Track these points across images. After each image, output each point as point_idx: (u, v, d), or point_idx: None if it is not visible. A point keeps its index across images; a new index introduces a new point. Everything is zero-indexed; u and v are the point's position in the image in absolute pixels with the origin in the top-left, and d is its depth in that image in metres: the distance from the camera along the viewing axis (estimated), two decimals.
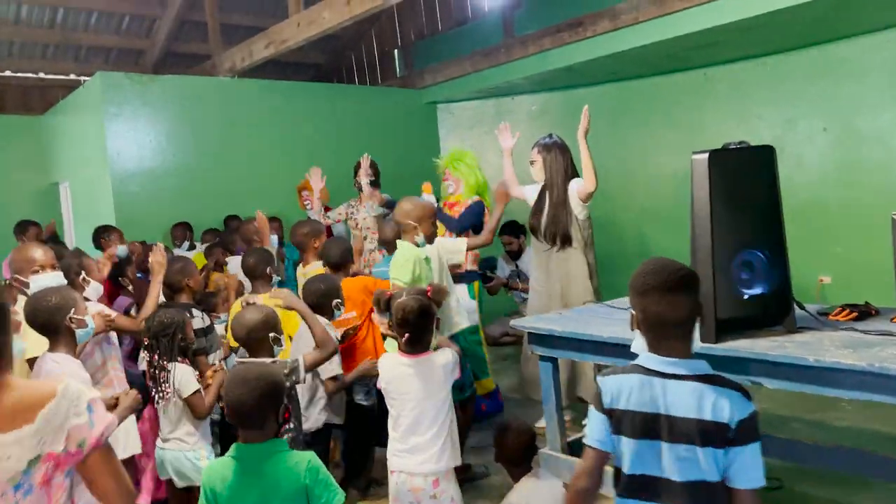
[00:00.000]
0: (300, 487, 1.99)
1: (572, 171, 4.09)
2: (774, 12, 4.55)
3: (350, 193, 5.46)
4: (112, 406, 2.66)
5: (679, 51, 5.56)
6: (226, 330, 3.56)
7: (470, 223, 4.55)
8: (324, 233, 4.34)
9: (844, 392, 2.12)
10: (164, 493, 3.12)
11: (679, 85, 6.30)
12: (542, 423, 4.16)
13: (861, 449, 3.01)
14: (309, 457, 2.07)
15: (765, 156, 2.41)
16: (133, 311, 3.92)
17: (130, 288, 4.40)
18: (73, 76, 8.26)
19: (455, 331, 3.35)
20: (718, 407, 1.62)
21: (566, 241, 4.04)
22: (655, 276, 1.71)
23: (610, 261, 4.93)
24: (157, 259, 3.35)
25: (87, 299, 3.11)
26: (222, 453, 2.39)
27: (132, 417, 3.18)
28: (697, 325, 1.75)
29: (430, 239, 3.44)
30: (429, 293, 2.66)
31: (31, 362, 2.59)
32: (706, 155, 2.33)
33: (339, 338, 3.38)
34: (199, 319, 3.34)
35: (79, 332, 2.55)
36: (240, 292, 4.15)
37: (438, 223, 3.95)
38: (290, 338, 3.70)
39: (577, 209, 4.01)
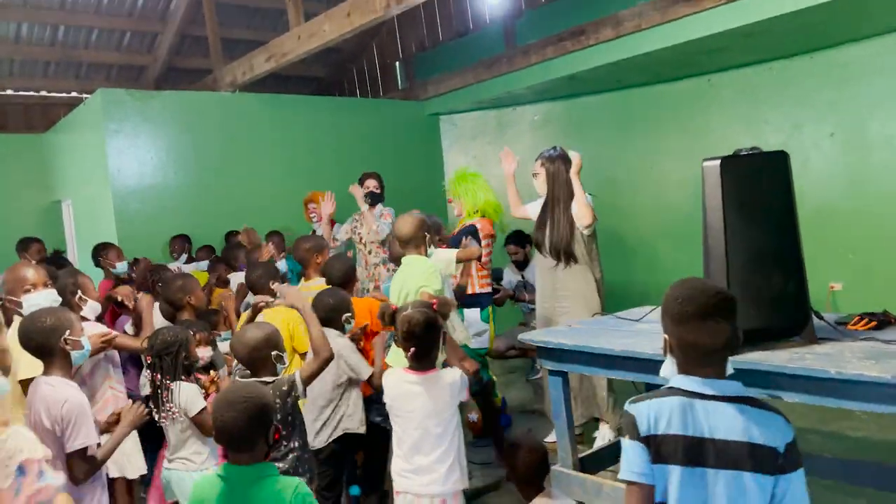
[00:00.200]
0: None
1: (568, 187, 4.00)
2: (779, 17, 4.49)
3: (354, 208, 5.42)
4: (114, 422, 2.59)
5: (683, 57, 5.51)
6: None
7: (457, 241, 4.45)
8: (326, 248, 4.28)
9: (868, 405, 2.04)
10: None
11: (683, 92, 6.24)
12: (551, 438, 4.12)
13: (883, 463, 2.92)
14: (296, 483, 2.00)
15: (778, 161, 2.34)
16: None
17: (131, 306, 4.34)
18: (74, 94, 8.25)
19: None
20: (766, 430, 1.54)
21: (570, 257, 3.98)
22: (692, 303, 1.61)
23: (616, 271, 4.88)
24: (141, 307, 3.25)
25: (84, 318, 3.05)
26: None
27: (136, 438, 3.12)
28: None
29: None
30: (434, 306, 2.58)
31: (25, 384, 2.53)
32: (718, 162, 2.27)
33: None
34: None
35: (74, 354, 2.47)
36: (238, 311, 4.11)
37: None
38: (302, 355, 3.64)
39: (581, 224, 3.94)
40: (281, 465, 2.60)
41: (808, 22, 4.61)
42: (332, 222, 5.62)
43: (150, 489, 3.16)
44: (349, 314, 3.33)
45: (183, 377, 2.80)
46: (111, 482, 2.94)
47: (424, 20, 8.28)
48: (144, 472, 3.21)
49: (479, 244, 4.28)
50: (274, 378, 2.66)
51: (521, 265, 5.69)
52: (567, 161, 4.01)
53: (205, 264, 5.55)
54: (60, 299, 2.96)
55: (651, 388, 3.27)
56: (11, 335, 2.40)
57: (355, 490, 3.46)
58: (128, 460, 3.13)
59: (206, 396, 2.87)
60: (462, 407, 2.69)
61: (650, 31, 5.28)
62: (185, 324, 3.29)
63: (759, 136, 5.57)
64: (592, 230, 3.96)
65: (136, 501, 3.28)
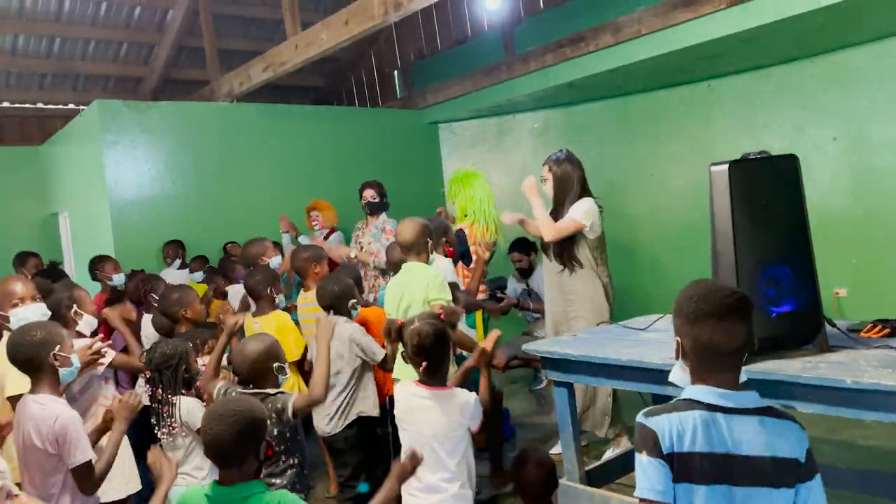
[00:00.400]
0: None
1: (578, 189, 3.94)
2: (778, 22, 4.46)
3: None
4: (110, 420, 2.50)
5: (683, 63, 5.47)
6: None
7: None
8: (325, 258, 4.22)
9: (885, 415, 1.97)
10: None
11: (683, 97, 6.20)
12: (556, 450, 4.05)
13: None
14: (279, 496, 1.93)
15: (787, 165, 2.29)
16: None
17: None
18: (71, 105, 8.21)
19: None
20: (787, 442, 1.49)
21: (575, 262, 3.91)
22: (708, 301, 1.54)
23: (617, 277, 4.80)
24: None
25: (80, 334, 2.98)
26: None
27: (132, 455, 3.04)
28: None
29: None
30: (441, 316, 2.51)
31: (14, 400, 2.46)
32: (726, 166, 2.22)
33: None
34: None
35: (63, 371, 2.40)
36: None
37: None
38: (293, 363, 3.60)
39: (587, 229, 3.88)
40: (278, 480, 2.54)
41: (807, 26, 4.58)
42: (333, 230, 5.62)
43: None
44: (354, 300, 3.33)
45: (183, 391, 2.73)
46: None
47: (423, 28, 8.27)
48: (140, 488, 3.13)
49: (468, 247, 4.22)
50: (276, 391, 2.60)
51: (526, 273, 5.60)
52: (574, 163, 3.95)
53: (198, 275, 5.48)
54: (50, 313, 2.88)
55: (658, 399, 3.22)
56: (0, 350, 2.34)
57: (364, 487, 3.41)
58: (125, 474, 3.06)
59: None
60: None
61: (650, 36, 5.24)
62: (192, 333, 3.24)
63: (760, 141, 5.52)
64: (600, 233, 3.88)
65: None
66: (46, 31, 7.35)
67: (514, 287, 5.65)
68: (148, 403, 2.75)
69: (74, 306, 3.17)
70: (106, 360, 2.96)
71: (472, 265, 4.35)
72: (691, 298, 1.58)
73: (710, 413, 1.51)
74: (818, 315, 2.28)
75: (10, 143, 7.82)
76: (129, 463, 3.04)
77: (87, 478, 2.28)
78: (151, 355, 2.76)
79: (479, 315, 4.45)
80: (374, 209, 5.24)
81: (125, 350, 3.71)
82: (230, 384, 2.70)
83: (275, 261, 4.50)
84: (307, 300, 3.94)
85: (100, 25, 7.56)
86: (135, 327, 3.96)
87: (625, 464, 3.26)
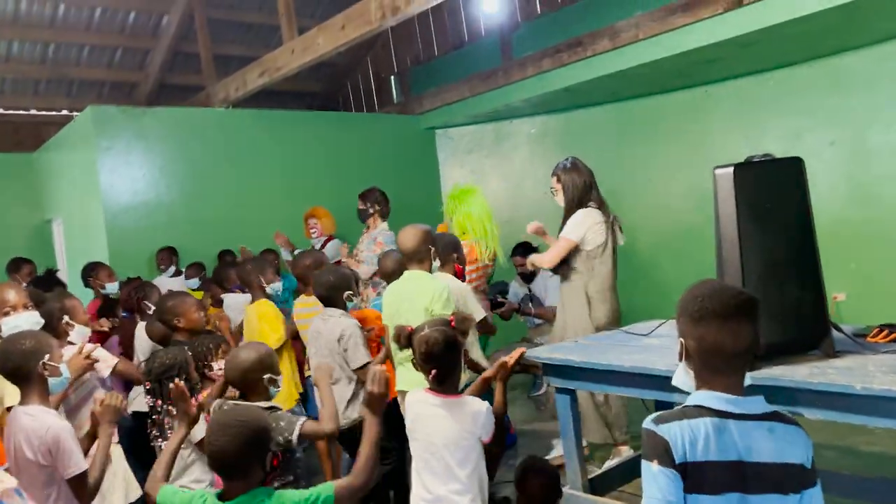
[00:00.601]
0: None
1: (587, 196, 3.90)
2: (777, 26, 4.45)
3: (351, 223, 5.38)
4: (96, 424, 2.45)
5: (680, 68, 5.46)
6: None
7: None
8: (326, 265, 4.19)
9: (895, 423, 1.94)
10: None
11: (681, 102, 6.19)
12: (555, 454, 4.04)
13: None
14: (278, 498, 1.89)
15: (793, 168, 2.26)
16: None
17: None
18: (65, 111, 8.15)
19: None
20: (795, 447, 1.46)
21: (567, 270, 3.89)
22: (714, 301, 1.51)
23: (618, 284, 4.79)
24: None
25: (71, 343, 2.93)
26: None
27: (127, 465, 2.99)
28: None
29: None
30: (452, 323, 2.46)
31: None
32: (731, 169, 2.19)
33: None
34: None
35: (52, 381, 2.34)
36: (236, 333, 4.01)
37: None
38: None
39: (583, 242, 3.84)
40: None
41: (806, 30, 4.57)
42: (331, 237, 5.60)
43: None
44: (350, 292, 3.30)
45: None
46: None
47: (419, 33, 8.25)
48: (139, 494, 3.07)
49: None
50: (273, 405, 2.54)
51: (528, 278, 5.54)
52: (579, 171, 3.93)
53: (194, 282, 5.43)
54: (43, 322, 2.83)
55: (661, 405, 3.18)
56: None
57: None
58: (123, 482, 3.00)
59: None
60: None
61: (648, 41, 5.23)
62: (201, 340, 3.19)
63: (758, 145, 5.49)
64: (599, 243, 3.83)
65: None
66: (41, 37, 7.30)
67: (515, 291, 5.61)
68: (136, 410, 2.71)
69: (66, 317, 3.11)
70: (104, 366, 2.92)
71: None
72: (697, 298, 1.55)
73: (720, 420, 1.47)
74: (824, 320, 2.25)
75: (3, 149, 7.75)
76: (125, 472, 2.99)
77: (83, 487, 2.23)
78: (151, 365, 2.70)
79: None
80: (361, 217, 5.30)
81: (121, 355, 3.67)
82: (224, 401, 2.64)
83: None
84: (309, 306, 3.90)
85: (94, 31, 7.51)
86: (127, 336, 3.92)
87: (626, 472, 3.22)
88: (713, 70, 5.59)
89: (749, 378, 1.56)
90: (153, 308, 3.83)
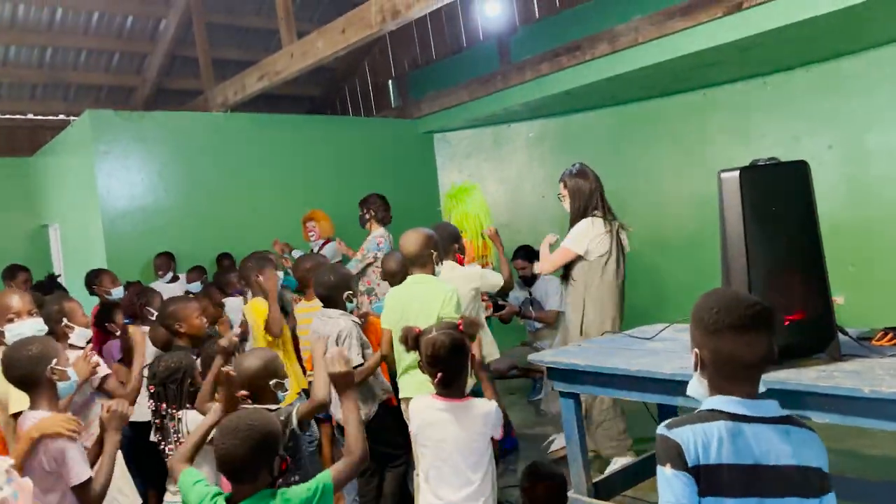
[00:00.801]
0: None
1: (592, 202, 3.90)
2: (775, 30, 4.46)
3: (350, 228, 5.39)
4: (102, 430, 2.43)
5: (678, 72, 5.48)
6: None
7: None
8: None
9: None
10: None
11: (679, 106, 6.20)
12: (555, 446, 4.12)
13: None
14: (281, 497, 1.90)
15: (798, 171, 2.27)
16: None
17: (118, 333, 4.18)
18: (62, 116, 8.13)
19: (487, 361, 3.18)
20: (811, 451, 1.47)
21: (569, 276, 3.90)
22: (730, 313, 1.50)
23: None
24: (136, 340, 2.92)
25: (72, 346, 2.91)
26: None
27: (125, 471, 2.97)
28: None
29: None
30: (460, 327, 2.45)
31: (15, 418, 2.39)
32: (737, 172, 2.19)
33: None
34: None
35: (61, 386, 2.33)
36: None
37: None
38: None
39: (586, 252, 3.83)
40: None
41: (804, 35, 4.59)
42: (328, 240, 5.61)
43: None
44: (350, 292, 3.30)
45: (188, 405, 2.66)
46: None
47: (417, 38, 8.26)
48: (140, 502, 3.05)
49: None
50: (277, 406, 2.54)
51: (529, 281, 5.54)
52: (585, 177, 3.93)
53: (195, 286, 5.41)
54: (46, 328, 2.81)
55: (665, 409, 3.18)
56: None
57: None
58: (119, 492, 2.98)
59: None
60: None
61: (646, 45, 5.24)
62: (208, 346, 3.18)
63: (756, 149, 5.47)
64: (602, 253, 3.81)
65: None
66: (38, 41, 7.29)
67: (516, 295, 5.60)
68: (133, 420, 2.68)
69: (64, 319, 3.09)
70: (99, 373, 2.90)
71: None
72: (711, 309, 1.54)
73: (734, 423, 1.47)
74: (831, 323, 2.25)
75: None
76: (126, 479, 2.97)
77: (88, 494, 2.21)
78: (155, 369, 2.68)
79: None
80: (360, 223, 5.39)
81: (121, 361, 3.65)
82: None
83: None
84: (310, 310, 3.89)
85: (92, 34, 7.51)
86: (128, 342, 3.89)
87: (630, 476, 3.22)
88: (712, 74, 5.61)
89: (763, 384, 1.56)
90: (155, 313, 3.82)
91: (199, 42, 7.12)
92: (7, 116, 7.97)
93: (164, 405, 2.63)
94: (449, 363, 2.37)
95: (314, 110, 9.39)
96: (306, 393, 4.03)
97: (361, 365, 3.23)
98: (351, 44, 4.90)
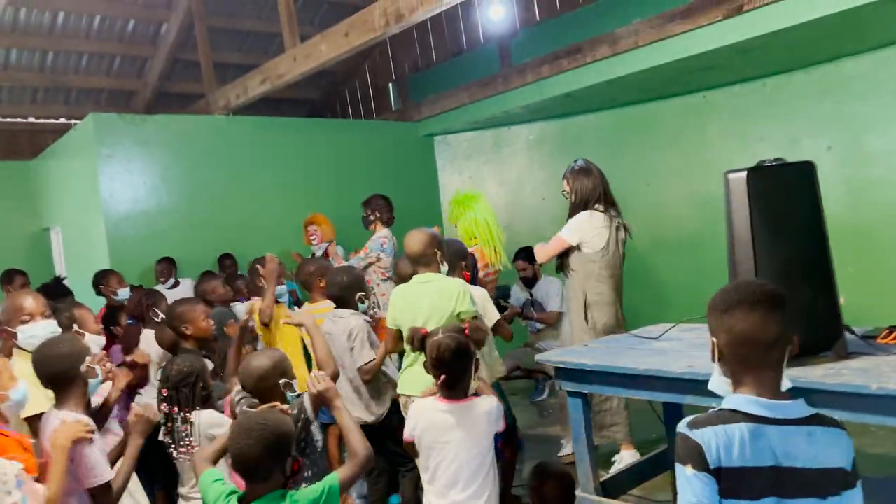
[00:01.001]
0: None
1: (595, 197, 3.93)
2: (775, 33, 4.50)
3: (350, 231, 5.41)
4: (126, 433, 2.45)
5: (678, 74, 5.51)
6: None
7: None
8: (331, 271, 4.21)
9: None
10: None
11: (678, 109, 6.24)
12: (565, 451, 4.15)
13: None
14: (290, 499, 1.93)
15: (805, 172, 2.30)
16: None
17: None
18: (63, 119, 8.14)
19: (494, 378, 3.21)
20: (836, 451, 1.47)
21: (567, 268, 3.93)
22: (740, 292, 1.54)
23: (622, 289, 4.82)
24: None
25: None
26: None
27: (137, 479, 2.98)
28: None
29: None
30: (466, 332, 2.48)
31: (31, 420, 2.40)
32: (744, 173, 2.22)
33: None
34: None
35: (91, 382, 2.36)
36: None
37: None
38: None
39: (582, 243, 3.87)
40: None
41: (803, 37, 4.63)
42: (332, 243, 5.63)
43: None
44: (362, 293, 3.36)
45: (199, 407, 2.68)
46: None
47: (418, 41, 8.29)
48: None
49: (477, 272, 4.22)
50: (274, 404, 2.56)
51: (530, 282, 5.57)
52: (588, 173, 3.96)
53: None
54: (60, 331, 2.82)
55: (669, 408, 3.20)
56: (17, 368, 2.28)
57: (395, 500, 3.39)
58: (129, 496, 2.99)
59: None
60: None
61: (646, 48, 5.27)
62: (221, 348, 3.21)
63: (755, 151, 5.49)
64: (601, 247, 3.86)
65: None
66: (39, 45, 7.29)
67: (517, 296, 5.63)
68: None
69: (75, 326, 3.11)
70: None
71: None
72: (724, 292, 1.59)
73: (756, 425, 1.47)
74: (837, 321, 2.28)
75: (0, 157, 7.73)
76: (135, 482, 2.98)
77: (106, 495, 2.23)
78: (168, 372, 2.70)
79: None
80: (364, 224, 5.41)
81: (122, 364, 3.66)
82: (246, 395, 2.65)
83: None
84: (314, 313, 3.90)
85: (93, 38, 7.51)
86: (131, 344, 3.91)
87: (636, 475, 3.25)
88: (711, 76, 5.65)
89: (789, 381, 1.56)
90: (161, 316, 3.83)
91: (200, 46, 7.14)
92: (8, 120, 7.97)
93: (177, 408, 2.64)
94: (453, 366, 2.40)
95: (314, 113, 9.41)
96: None
97: (371, 362, 3.28)
98: (354, 47, 4.93)
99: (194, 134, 6.27)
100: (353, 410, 3.34)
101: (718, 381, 1.60)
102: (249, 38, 8.32)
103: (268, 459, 1.88)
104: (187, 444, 2.59)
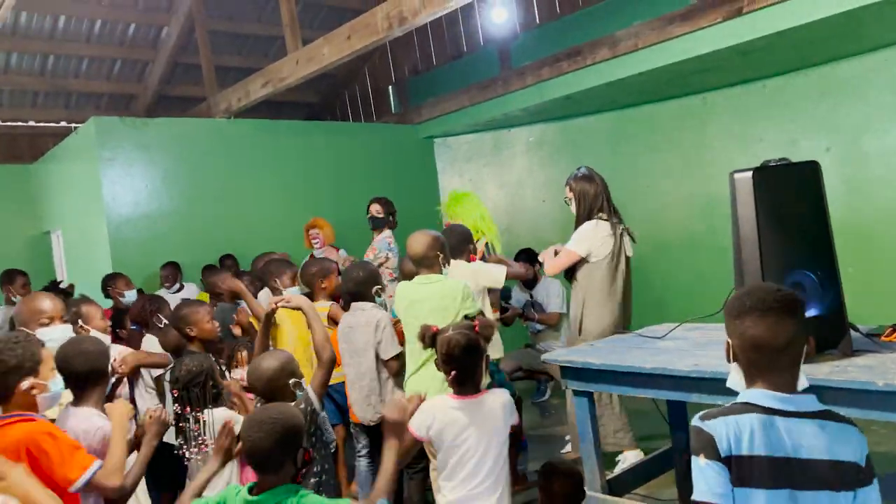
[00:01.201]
0: None
1: (598, 205, 3.95)
2: (774, 35, 4.54)
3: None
4: (139, 435, 2.47)
5: (678, 76, 5.55)
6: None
7: None
8: (333, 273, 4.22)
9: None
10: None
11: (678, 110, 6.28)
12: (566, 450, 4.19)
13: None
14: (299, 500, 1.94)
15: (809, 171, 2.32)
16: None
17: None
18: (63, 123, 8.14)
19: (492, 359, 3.23)
20: (847, 445, 1.49)
21: (570, 275, 3.96)
22: (751, 297, 1.57)
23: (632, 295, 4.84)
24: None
25: None
26: None
27: (143, 485, 2.98)
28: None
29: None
30: (476, 328, 2.50)
31: None
32: (749, 173, 2.24)
33: None
34: None
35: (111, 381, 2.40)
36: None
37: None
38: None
39: (590, 255, 3.88)
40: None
41: (803, 39, 4.66)
42: (336, 249, 5.65)
43: None
44: (379, 287, 3.41)
45: (210, 406, 2.69)
46: None
47: (418, 43, 8.32)
48: None
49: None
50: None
51: (530, 284, 5.59)
52: (590, 180, 3.98)
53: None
54: (75, 335, 2.83)
55: (673, 407, 3.23)
56: None
57: None
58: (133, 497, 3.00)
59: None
60: None
61: (647, 50, 5.31)
62: (231, 345, 3.23)
63: (754, 153, 5.57)
64: (606, 254, 3.86)
65: None
66: (39, 49, 7.30)
67: (517, 297, 5.65)
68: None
69: (80, 321, 3.12)
70: None
71: None
72: (738, 296, 1.61)
73: (767, 416, 1.50)
74: (843, 320, 2.30)
75: (0, 160, 7.73)
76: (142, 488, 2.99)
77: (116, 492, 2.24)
78: (177, 373, 2.71)
79: None
80: (376, 224, 5.30)
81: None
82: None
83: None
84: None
85: (94, 42, 7.52)
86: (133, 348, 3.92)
87: (642, 473, 3.27)
88: (710, 78, 5.68)
89: (807, 380, 1.58)
90: (165, 321, 3.84)
91: (202, 49, 7.15)
92: (8, 123, 7.98)
93: (188, 408, 2.65)
94: (463, 362, 2.42)
95: (314, 116, 9.42)
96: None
97: (399, 355, 3.34)
98: (356, 50, 4.95)
99: (195, 137, 6.30)
100: (367, 411, 3.37)
101: (736, 379, 1.63)
102: (249, 41, 8.33)
103: (279, 451, 1.92)
104: (200, 444, 2.61)
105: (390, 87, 8.62)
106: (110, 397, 2.84)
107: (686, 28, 5.00)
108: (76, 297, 3.59)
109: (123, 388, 3.15)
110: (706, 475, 1.50)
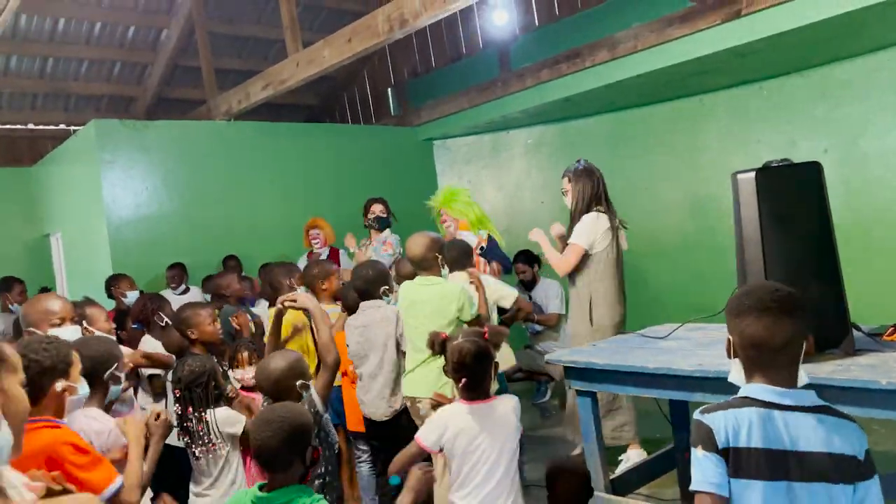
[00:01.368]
0: None
1: (596, 199, 3.98)
2: (774, 36, 4.56)
3: (354, 232, 5.43)
4: (146, 436, 2.48)
5: (677, 78, 5.57)
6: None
7: (499, 256, 4.64)
8: (334, 274, 4.22)
9: None
10: None
11: (676, 112, 6.29)
12: (577, 451, 4.11)
13: None
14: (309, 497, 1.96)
15: (811, 172, 2.35)
16: None
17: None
18: (62, 126, 8.14)
19: (502, 369, 3.26)
20: (845, 439, 1.51)
21: (573, 274, 3.96)
22: (750, 296, 1.60)
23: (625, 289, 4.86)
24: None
25: None
26: None
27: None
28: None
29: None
30: (486, 335, 2.52)
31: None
32: (753, 174, 2.26)
33: None
34: None
35: (113, 389, 2.40)
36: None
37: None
38: None
39: (594, 243, 3.91)
40: None
41: (801, 40, 4.68)
42: (337, 250, 5.65)
43: None
44: (387, 287, 3.42)
45: (212, 406, 2.70)
46: None
47: (417, 46, 8.34)
48: None
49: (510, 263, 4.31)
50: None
51: (529, 284, 5.61)
52: (589, 174, 4.00)
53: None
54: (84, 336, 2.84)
55: (676, 406, 3.24)
56: None
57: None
58: None
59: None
60: None
61: (646, 52, 5.33)
62: (235, 345, 3.24)
63: (753, 154, 5.62)
64: (605, 247, 3.90)
65: None
66: (39, 51, 7.31)
67: None
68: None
69: (84, 322, 3.12)
70: None
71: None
72: (738, 295, 1.64)
73: (766, 410, 1.53)
74: (845, 319, 2.32)
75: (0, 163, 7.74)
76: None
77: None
78: (180, 373, 2.72)
79: None
80: (381, 224, 5.32)
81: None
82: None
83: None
84: None
85: (93, 45, 7.53)
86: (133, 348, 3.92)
87: (645, 473, 3.28)
88: (708, 80, 5.70)
89: (806, 377, 1.61)
90: (166, 320, 3.85)
91: (202, 51, 7.16)
92: (8, 126, 7.98)
93: (191, 408, 2.67)
94: (473, 370, 2.44)
95: (313, 118, 9.44)
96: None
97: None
98: (357, 53, 4.96)
99: (195, 139, 6.30)
100: (380, 406, 3.37)
101: (737, 374, 1.66)
102: (249, 43, 8.35)
103: (287, 450, 1.94)
104: (207, 443, 2.62)
105: (389, 89, 8.64)
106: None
107: (685, 30, 5.03)
108: (80, 299, 3.58)
109: (129, 390, 3.15)
110: (703, 466, 1.54)
